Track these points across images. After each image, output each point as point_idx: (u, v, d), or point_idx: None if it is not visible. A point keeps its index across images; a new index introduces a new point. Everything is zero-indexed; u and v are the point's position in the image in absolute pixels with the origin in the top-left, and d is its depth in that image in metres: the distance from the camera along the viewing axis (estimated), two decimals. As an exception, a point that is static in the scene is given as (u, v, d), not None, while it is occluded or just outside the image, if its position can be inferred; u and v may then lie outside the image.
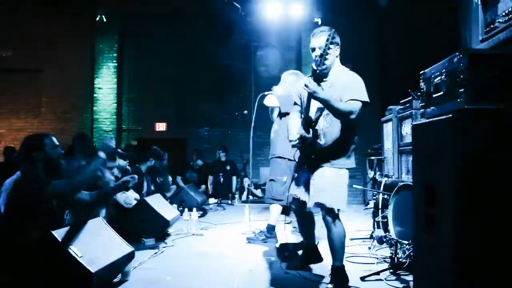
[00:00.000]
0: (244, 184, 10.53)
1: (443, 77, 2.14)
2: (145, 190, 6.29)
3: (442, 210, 2.04)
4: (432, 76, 2.29)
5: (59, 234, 3.02)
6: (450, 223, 1.93)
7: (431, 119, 2.22)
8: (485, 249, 1.91)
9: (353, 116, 3.16)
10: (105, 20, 11.19)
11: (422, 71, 2.44)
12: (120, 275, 3.59)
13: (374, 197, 5.39)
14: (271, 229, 5.30)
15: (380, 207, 5.16)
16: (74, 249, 2.99)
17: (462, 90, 1.94)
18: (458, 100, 1.96)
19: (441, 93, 2.15)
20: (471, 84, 1.92)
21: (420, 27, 9.48)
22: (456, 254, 1.91)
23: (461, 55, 1.96)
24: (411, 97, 6.48)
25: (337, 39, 3.42)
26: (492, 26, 2.83)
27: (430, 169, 2.18)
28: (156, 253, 4.58)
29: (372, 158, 8.67)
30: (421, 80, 2.42)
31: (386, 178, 5.78)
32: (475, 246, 1.91)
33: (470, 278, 1.90)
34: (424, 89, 2.38)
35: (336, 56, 3.45)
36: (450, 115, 1.97)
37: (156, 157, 6.97)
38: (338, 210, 3.39)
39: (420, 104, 2.43)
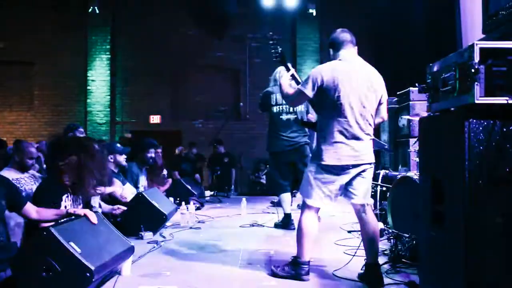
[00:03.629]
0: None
1: (451, 71, 2.12)
2: (140, 184, 6.25)
3: (451, 207, 2.02)
4: (440, 69, 2.26)
5: (57, 230, 2.98)
6: (460, 220, 1.91)
7: (439, 114, 2.20)
8: (495, 246, 1.90)
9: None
10: (97, 11, 11.06)
11: (429, 64, 2.41)
12: (119, 270, 3.55)
13: (372, 189, 5.38)
14: (288, 217, 5.51)
15: (378, 199, 5.16)
16: (73, 245, 2.95)
17: (472, 84, 1.91)
18: (468, 94, 1.94)
19: (450, 87, 2.13)
20: (482, 78, 1.89)
21: (414, 18, 9.48)
22: (465, 251, 1.89)
23: (472, 49, 1.94)
24: (407, 89, 6.48)
25: (328, 43, 3.63)
26: (494, 18, 2.80)
27: (439, 165, 2.15)
28: (154, 247, 4.55)
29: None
30: (428, 74, 2.39)
31: (383, 170, 5.78)
32: (485, 243, 1.89)
33: (480, 276, 1.89)
34: (431, 82, 2.35)
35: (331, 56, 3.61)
36: (460, 110, 1.94)
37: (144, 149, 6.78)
38: (308, 204, 3.43)
39: (427, 98, 2.41)
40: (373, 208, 3.74)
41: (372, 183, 5.45)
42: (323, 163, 3.31)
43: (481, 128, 1.92)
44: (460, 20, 5.90)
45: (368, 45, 10.99)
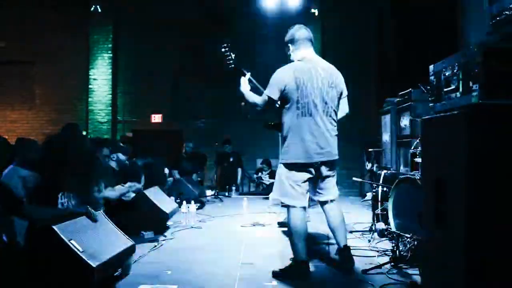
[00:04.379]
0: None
1: (455, 71, 2.11)
2: (142, 184, 6.25)
3: (453, 207, 2.02)
4: (443, 70, 2.26)
5: (59, 228, 2.98)
6: (462, 220, 1.91)
7: (442, 114, 2.19)
8: (497, 246, 1.90)
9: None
10: (99, 10, 11.05)
11: (432, 64, 2.40)
12: (120, 269, 3.55)
13: (374, 190, 5.38)
14: None
15: (379, 199, 5.15)
16: (75, 244, 2.95)
17: (475, 85, 1.91)
18: (472, 95, 1.94)
19: (453, 87, 2.13)
20: (485, 78, 1.89)
21: (418, 18, 9.46)
22: (467, 251, 1.89)
23: (475, 49, 1.93)
24: (409, 89, 6.47)
25: (287, 38, 3.69)
26: (498, 18, 2.80)
27: (441, 165, 2.15)
28: (155, 246, 4.56)
29: (370, 150, 8.65)
30: (431, 74, 2.39)
31: (385, 170, 5.77)
32: (487, 243, 1.89)
33: (482, 276, 1.89)
34: (434, 82, 2.34)
35: (289, 54, 3.71)
36: (463, 110, 1.94)
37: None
38: (288, 205, 3.51)
39: (430, 98, 2.40)
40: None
41: (373, 184, 5.47)
42: (292, 161, 3.46)
43: (484, 129, 1.92)
44: (464, 21, 5.89)
45: (370, 44, 10.98)
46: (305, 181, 3.50)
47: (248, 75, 3.76)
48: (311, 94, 3.41)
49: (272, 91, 3.45)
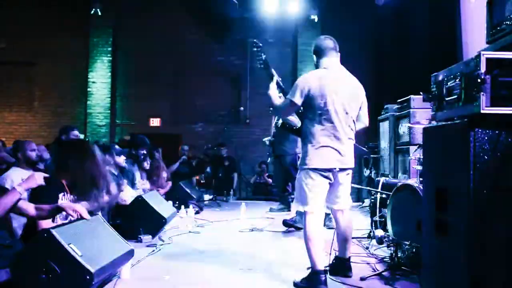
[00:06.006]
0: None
1: (457, 80, 2.13)
2: (136, 181, 6.26)
3: (455, 215, 2.02)
4: (445, 79, 2.27)
5: (58, 232, 2.97)
6: (463, 229, 1.92)
7: (443, 123, 2.20)
8: (499, 255, 1.90)
9: (279, 112, 3.69)
10: (99, 13, 11.07)
11: (433, 74, 2.42)
12: (118, 273, 3.54)
13: (372, 197, 5.38)
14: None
15: (378, 206, 5.15)
16: (74, 248, 2.94)
17: (478, 94, 1.92)
18: (474, 104, 1.95)
19: (455, 96, 2.14)
20: (488, 88, 1.90)
21: (416, 25, 9.50)
22: (468, 260, 1.89)
23: (478, 59, 1.95)
24: (408, 96, 6.50)
25: (313, 49, 3.71)
26: (498, 28, 2.81)
27: (442, 174, 2.16)
28: (153, 250, 4.54)
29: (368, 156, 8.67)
30: (433, 83, 2.40)
31: (383, 177, 5.77)
32: (489, 252, 1.89)
33: (483, 285, 1.89)
34: (436, 91, 2.36)
35: (315, 64, 3.70)
36: (466, 120, 1.95)
37: (136, 146, 6.73)
38: (306, 211, 3.44)
39: (431, 107, 2.41)
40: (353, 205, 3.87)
41: (372, 190, 5.47)
42: (311, 167, 3.43)
43: (486, 138, 1.93)
44: (461, 30, 5.92)
45: (370, 51, 11.02)
46: (323, 187, 3.46)
47: (275, 77, 3.73)
48: (334, 103, 3.41)
49: (295, 95, 3.42)
